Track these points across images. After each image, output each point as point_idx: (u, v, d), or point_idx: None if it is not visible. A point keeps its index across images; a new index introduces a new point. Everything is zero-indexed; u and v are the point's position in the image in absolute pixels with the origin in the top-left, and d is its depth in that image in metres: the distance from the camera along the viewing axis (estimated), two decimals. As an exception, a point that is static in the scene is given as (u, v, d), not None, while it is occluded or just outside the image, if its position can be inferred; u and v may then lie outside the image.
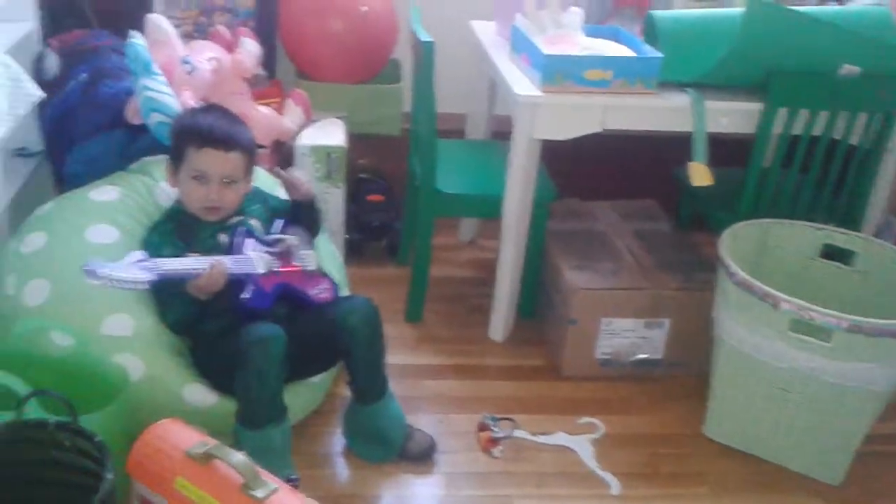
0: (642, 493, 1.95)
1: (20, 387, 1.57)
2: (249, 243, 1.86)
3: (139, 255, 1.66)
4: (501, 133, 2.66)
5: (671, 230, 2.57)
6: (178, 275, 1.71)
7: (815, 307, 1.84)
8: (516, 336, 2.47)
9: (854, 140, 2.21)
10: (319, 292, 1.96)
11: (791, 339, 1.89)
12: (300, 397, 1.96)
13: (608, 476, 1.98)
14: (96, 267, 1.57)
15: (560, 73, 2.08)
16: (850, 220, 2.28)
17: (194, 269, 1.72)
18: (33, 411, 1.55)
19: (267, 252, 1.88)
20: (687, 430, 2.15)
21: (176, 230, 1.89)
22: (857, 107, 2.15)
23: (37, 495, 1.56)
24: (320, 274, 2.01)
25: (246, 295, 1.80)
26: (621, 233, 2.53)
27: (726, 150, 2.26)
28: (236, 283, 1.79)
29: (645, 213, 2.66)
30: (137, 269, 1.62)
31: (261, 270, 1.83)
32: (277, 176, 2.02)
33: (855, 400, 1.90)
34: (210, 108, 1.98)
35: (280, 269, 1.89)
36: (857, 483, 2.00)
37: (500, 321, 2.43)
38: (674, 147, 2.46)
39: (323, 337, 1.88)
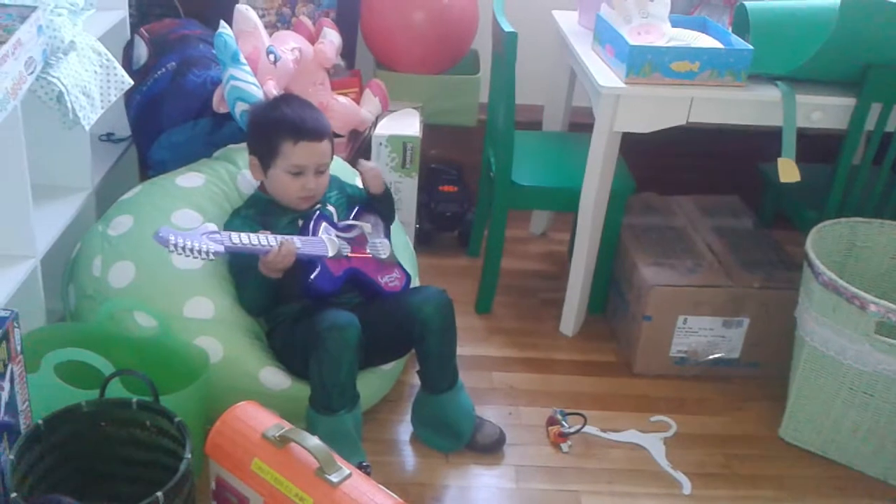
0: (715, 494, 1.91)
1: (105, 366, 1.62)
2: (323, 227, 1.87)
3: (212, 227, 1.67)
4: (579, 125, 2.63)
5: (753, 227, 2.50)
6: (246, 249, 1.70)
7: (903, 310, 1.79)
8: (586, 331, 2.44)
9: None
10: (390, 281, 1.96)
11: (876, 342, 1.84)
12: (370, 385, 1.97)
13: (680, 476, 1.95)
14: (168, 234, 1.58)
15: (646, 64, 2.04)
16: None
17: (263, 245, 1.72)
18: (116, 391, 1.60)
19: (339, 237, 1.89)
20: (762, 431, 2.11)
21: (257, 216, 1.91)
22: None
23: (118, 473, 1.62)
24: (393, 263, 2.01)
25: (312, 276, 1.80)
26: (701, 228, 2.47)
27: (812, 146, 2.19)
28: (307, 265, 1.80)
29: (726, 209, 2.59)
30: (208, 239, 1.62)
31: (330, 254, 1.83)
32: (361, 169, 2.01)
33: (940, 407, 1.85)
34: (287, 98, 1.98)
35: (351, 255, 1.89)
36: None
37: (571, 315, 2.40)
38: (757, 141, 2.40)
39: (396, 326, 1.89)
